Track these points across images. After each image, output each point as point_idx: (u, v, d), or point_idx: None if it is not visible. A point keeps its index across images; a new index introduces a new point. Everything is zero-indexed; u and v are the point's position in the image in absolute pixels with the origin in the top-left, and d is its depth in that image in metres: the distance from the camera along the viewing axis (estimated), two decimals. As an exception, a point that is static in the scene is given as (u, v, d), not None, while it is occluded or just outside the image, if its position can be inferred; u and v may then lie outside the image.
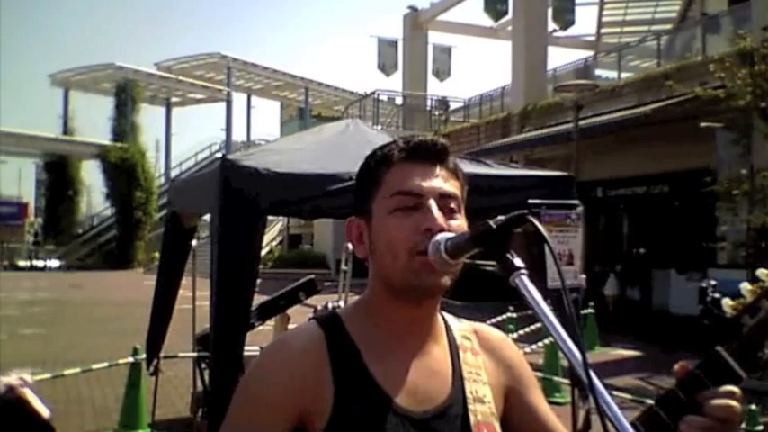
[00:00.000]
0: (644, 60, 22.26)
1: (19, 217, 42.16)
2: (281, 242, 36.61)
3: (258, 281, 4.26)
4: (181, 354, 6.82)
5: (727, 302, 1.15)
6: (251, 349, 6.29)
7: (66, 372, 6.32)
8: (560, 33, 25.89)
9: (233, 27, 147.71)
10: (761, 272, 1.12)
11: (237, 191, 3.86)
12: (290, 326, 6.90)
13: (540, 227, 1.01)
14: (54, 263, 38.36)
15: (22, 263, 39.69)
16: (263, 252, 31.86)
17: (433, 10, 28.93)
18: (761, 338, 1.03)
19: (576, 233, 4.87)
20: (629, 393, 6.15)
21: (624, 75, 19.02)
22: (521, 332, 8.74)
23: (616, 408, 0.93)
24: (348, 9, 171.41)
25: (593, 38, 28.94)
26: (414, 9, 29.32)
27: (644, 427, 0.99)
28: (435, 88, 29.70)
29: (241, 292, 4.01)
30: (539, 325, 5.61)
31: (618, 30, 28.48)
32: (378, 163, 1.22)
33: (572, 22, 24.79)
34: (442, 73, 29.71)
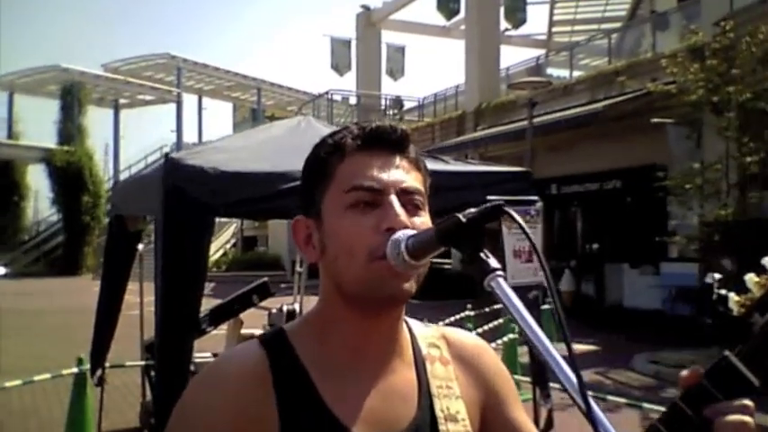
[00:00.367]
0: (594, 59, 22.54)
1: (-38, 224, 40.78)
2: (234, 244, 36.18)
3: (212, 284, 4.08)
4: (128, 363, 6.57)
5: (733, 298, 1.02)
6: (202, 355, 6.12)
7: (8, 384, 6.04)
8: (512, 32, 26.07)
9: (182, 27, 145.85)
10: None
11: (183, 191, 3.66)
12: (244, 331, 6.73)
13: (520, 220, 0.87)
14: (-1, 270, 37.25)
15: (-35, 271, 38.42)
16: (217, 255, 31.50)
17: (386, 9, 28.86)
18: None
19: (535, 229, 4.78)
20: (590, 390, 6.11)
21: (576, 73, 19.20)
22: (479, 330, 8.66)
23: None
24: (300, 7, 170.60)
25: (544, 37, 29.21)
26: (366, 8, 29.20)
27: None
28: (389, 87, 29.67)
29: (187, 297, 3.82)
30: (497, 322, 5.55)
31: (569, 28, 28.81)
32: (328, 153, 1.05)
33: (524, 21, 24.96)
34: (396, 72, 29.64)
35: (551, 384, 4.63)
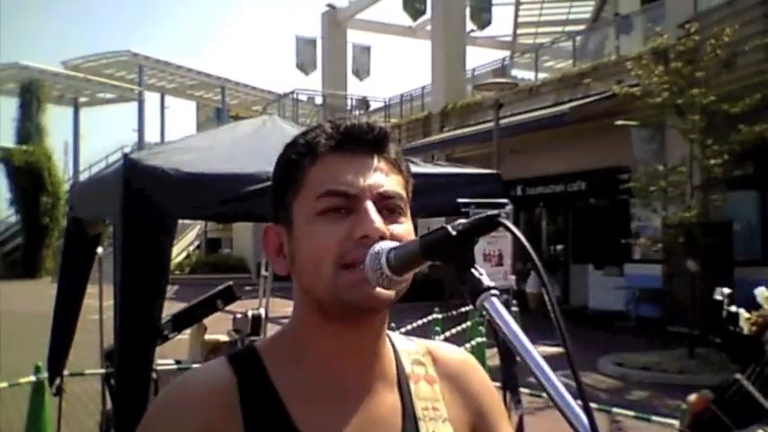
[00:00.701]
0: (559, 61, 22.73)
1: None
2: (198, 246, 35.74)
3: (175, 287, 3.95)
4: (87, 371, 6.37)
5: (743, 316, 0.94)
6: (164, 363, 5.96)
7: (-37, 394, 5.81)
8: (478, 33, 26.14)
9: (143, 24, 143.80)
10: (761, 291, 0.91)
11: (142, 193, 3.51)
12: (208, 337, 6.58)
13: (517, 231, 0.78)
14: (-45, 274, 36.31)
15: None
16: (180, 257, 31.10)
17: (352, 8, 28.76)
18: None
19: (505, 233, 4.71)
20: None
21: (540, 75, 19.32)
22: (446, 333, 8.60)
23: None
24: (264, 5, 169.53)
25: (509, 38, 29.37)
26: (332, 7, 29.06)
27: None
28: (355, 87, 29.58)
29: (148, 303, 3.67)
30: (465, 325, 5.47)
31: (533, 30, 29.00)
32: (300, 155, 0.95)
33: (489, 22, 25.05)
34: (362, 72, 29.57)
35: (521, 389, 4.58)
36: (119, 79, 42.41)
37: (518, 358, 0.76)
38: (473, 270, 0.79)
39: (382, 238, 0.88)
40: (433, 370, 1.05)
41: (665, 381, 9.28)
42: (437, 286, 12.99)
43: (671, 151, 11.72)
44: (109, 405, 5.98)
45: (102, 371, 5.93)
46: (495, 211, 0.78)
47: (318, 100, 28.51)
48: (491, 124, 12.99)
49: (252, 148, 4.16)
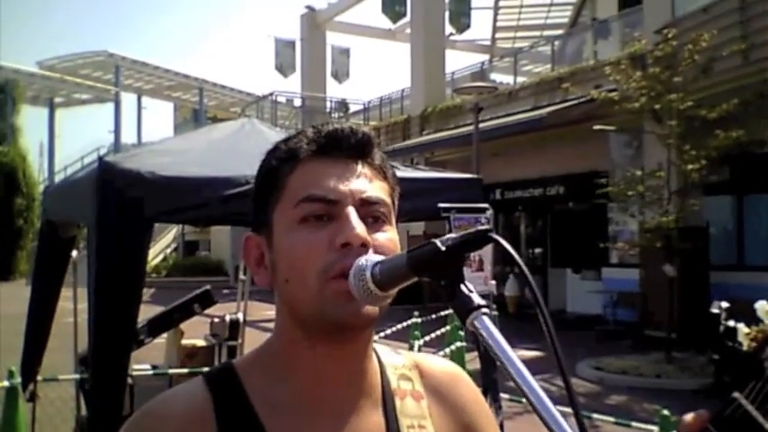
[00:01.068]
0: (537, 65, 22.85)
1: None
2: (175, 249, 35.46)
3: (151, 290, 3.89)
4: (61, 377, 6.27)
5: (743, 331, 0.91)
6: (140, 368, 5.89)
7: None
8: (457, 37, 26.21)
9: (120, 24, 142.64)
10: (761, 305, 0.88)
11: (118, 197, 3.45)
12: (185, 341, 6.51)
13: (509, 247, 0.74)
14: (-74, 275, 35.70)
15: None
16: (157, 260, 30.84)
17: (331, 10, 28.71)
18: None
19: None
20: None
21: (519, 79, 19.41)
22: (426, 338, 8.58)
23: None
24: (243, 7, 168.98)
25: (488, 42, 29.47)
26: (311, 9, 28.99)
27: None
28: (334, 90, 29.51)
29: (123, 308, 3.60)
30: (444, 330, 5.44)
31: (512, 34, 29.13)
32: (281, 161, 0.91)
33: (468, 26, 25.12)
34: (341, 74, 29.52)
35: (501, 395, 4.56)
36: (95, 80, 42.01)
37: (510, 380, 0.72)
38: (462, 287, 0.75)
39: (364, 245, 0.85)
40: (420, 384, 1.01)
41: (643, 385, 9.34)
42: (416, 290, 12.94)
43: (648, 156, 11.81)
44: (84, 411, 5.91)
45: (77, 376, 5.85)
46: (486, 227, 0.74)
47: (297, 102, 28.43)
48: (470, 128, 13.01)
49: (230, 151, 4.12)
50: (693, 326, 10.20)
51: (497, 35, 29.29)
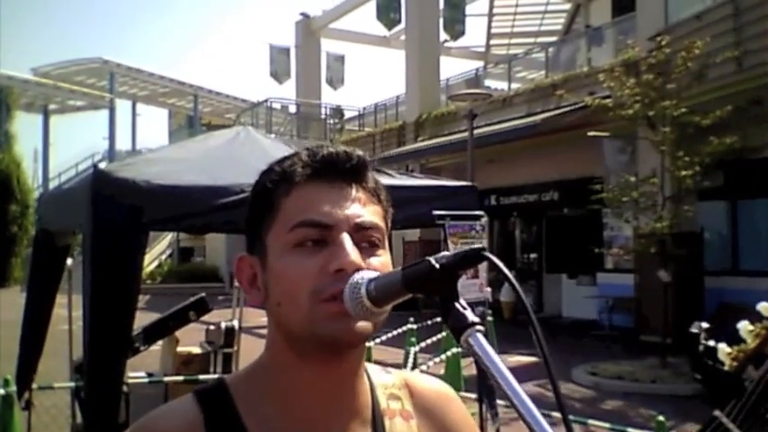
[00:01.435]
0: (531, 71, 22.90)
1: None
2: (170, 255, 35.36)
3: (146, 297, 3.88)
4: (56, 384, 6.25)
5: (723, 350, 0.92)
6: (136, 375, 5.87)
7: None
8: (451, 44, 26.25)
9: (115, 31, 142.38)
10: (764, 306, 0.90)
11: (113, 206, 3.45)
12: (180, 349, 6.49)
13: (502, 265, 0.75)
14: None
15: None
16: (152, 266, 30.74)
17: (326, 17, 28.73)
18: None
19: (480, 244, 4.72)
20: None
21: (513, 85, 19.46)
22: (422, 344, 8.58)
23: None
24: (238, 13, 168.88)
25: (482, 49, 29.55)
26: (306, 16, 29.00)
27: None
28: (329, 96, 29.51)
29: (119, 316, 3.61)
30: (440, 336, 5.46)
31: (506, 41, 29.21)
32: (275, 183, 0.92)
33: (462, 33, 25.14)
34: (336, 81, 29.50)
35: (498, 401, 4.56)
36: (90, 86, 41.94)
37: (505, 398, 0.73)
38: (457, 304, 0.76)
39: (358, 270, 0.85)
40: (409, 404, 1.02)
41: (638, 390, 9.34)
42: (412, 297, 12.91)
43: (643, 162, 11.85)
44: (79, 419, 5.89)
45: (72, 384, 5.83)
46: (480, 245, 0.75)
47: (292, 109, 28.37)
48: (465, 134, 13.02)
49: (225, 160, 4.12)
50: (688, 331, 10.23)
51: (492, 42, 29.38)
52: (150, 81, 42.66)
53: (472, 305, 4.68)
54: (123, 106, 44.94)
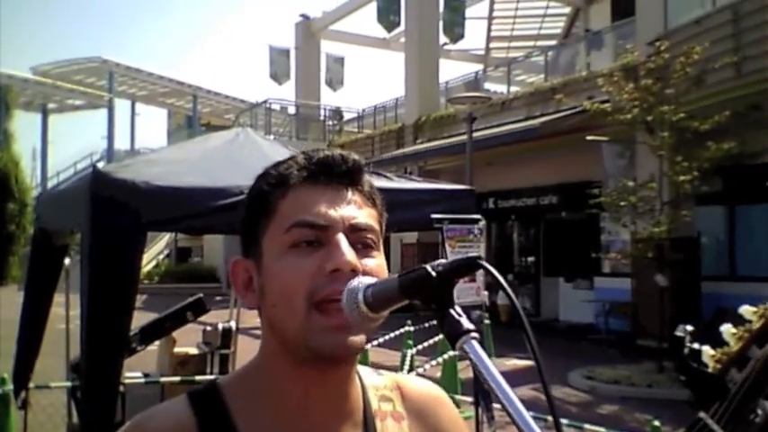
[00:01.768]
0: (531, 75, 22.94)
1: None
2: (168, 255, 35.34)
3: (144, 297, 3.89)
4: (53, 384, 6.24)
5: (707, 353, 0.93)
6: (132, 375, 5.87)
7: None
8: (451, 46, 26.27)
9: (114, 30, 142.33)
10: (746, 309, 0.91)
11: (111, 206, 3.46)
12: (177, 349, 6.49)
13: (498, 275, 0.76)
14: None
15: None
16: (149, 266, 30.72)
17: (326, 19, 28.74)
18: (753, 397, 0.80)
19: (478, 248, 4.73)
20: (529, 407, 6.08)
21: (513, 88, 19.49)
22: (419, 347, 8.58)
23: None
24: (238, 15, 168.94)
25: (482, 52, 29.57)
26: (306, 17, 29.01)
27: None
28: (329, 98, 29.51)
29: (116, 317, 3.62)
30: (438, 338, 5.45)
31: (506, 44, 29.24)
32: (271, 186, 0.93)
33: (462, 36, 25.16)
34: (336, 83, 29.51)
35: (494, 405, 4.57)
36: (89, 86, 41.93)
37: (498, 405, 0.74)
38: (452, 311, 0.77)
39: (354, 271, 0.86)
40: (401, 405, 1.02)
41: (635, 394, 9.35)
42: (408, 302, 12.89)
43: (641, 167, 11.86)
44: (75, 418, 5.88)
45: (69, 383, 5.82)
46: (476, 253, 0.76)
47: (292, 110, 28.36)
48: (464, 137, 13.04)
49: (224, 161, 4.13)
50: (680, 358, 10.25)
51: (491, 45, 29.40)
52: (149, 81, 42.67)
53: (469, 308, 4.68)
54: (122, 106, 45.06)
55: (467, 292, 4.68)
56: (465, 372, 8.23)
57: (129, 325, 3.93)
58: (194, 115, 43.25)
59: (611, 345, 12.79)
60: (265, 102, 26.90)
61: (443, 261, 0.79)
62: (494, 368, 0.75)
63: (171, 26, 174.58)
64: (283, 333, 0.89)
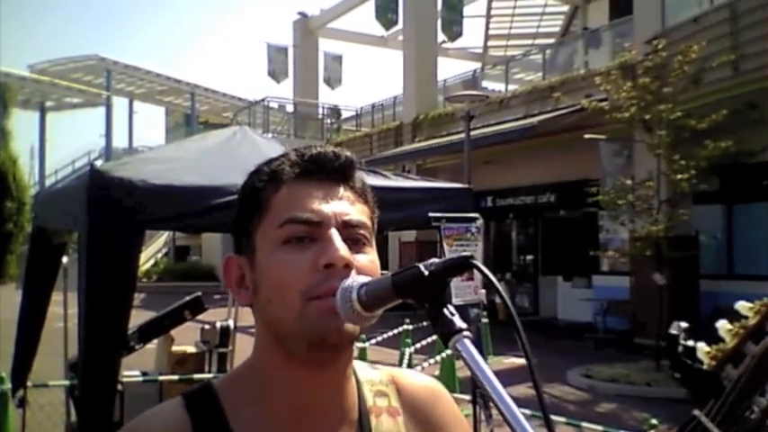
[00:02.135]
0: (529, 73, 22.93)
1: None
2: (166, 254, 35.33)
3: (142, 295, 3.89)
4: (51, 382, 6.24)
5: (702, 349, 0.93)
6: (130, 374, 5.87)
7: None
8: (449, 45, 26.26)
9: (112, 28, 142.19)
10: (741, 305, 0.91)
11: (109, 205, 3.46)
12: (175, 348, 6.49)
13: (490, 274, 0.76)
14: None
15: None
16: (148, 265, 30.71)
17: (324, 17, 28.72)
18: (748, 394, 0.80)
19: (475, 246, 4.74)
20: (526, 405, 6.08)
21: (511, 87, 19.48)
22: (417, 345, 8.59)
23: None
24: (235, 12, 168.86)
25: (480, 50, 29.57)
26: (304, 15, 28.98)
27: None
28: (327, 96, 29.51)
29: (114, 315, 3.62)
30: (435, 337, 5.42)
31: (504, 43, 29.23)
32: (264, 182, 0.93)
33: (460, 34, 25.15)
34: (334, 81, 29.49)
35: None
36: (86, 84, 41.87)
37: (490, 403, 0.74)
38: (445, 310, 0.77)
39: (347, 266, 0.86)
40: (396, 400, 1.01)
41: (633, 393, 9.36)
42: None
43: (639, 165, 11.87)
44: (73, 417, 5.88)
45: (67, 382, 5.82)
46: (468, 253, 0.76)
47: (290, 108, 28.35)
48: (462, 135, 13.04)
49: (221, 160, 4.13)
50: (674, 355, 10.28)
51: (489, 43, 29.40)
52: (147, 79, 42.64)
53: (467, 307, 4.68)
54: (120, 104, 44.86)
55: (465, 290, 4.69)
56: (463, 370, 8.22)
57: (127, 323, 3.92)
58: (192, 113, 43.22)
59: (609, 343, 12.81)
60: (263, 100, 26.88)
61: (436, 260, 0.79)
62: (486, 367, 0.75)
63: (169, 24, 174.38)
64: (277, 328, 0.89)
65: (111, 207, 3.46)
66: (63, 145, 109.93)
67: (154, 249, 34.48)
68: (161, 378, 5.91)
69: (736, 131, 10.24)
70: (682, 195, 10.50)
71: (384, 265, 0.94)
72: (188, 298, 6.22)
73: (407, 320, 9.43)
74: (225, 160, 4.09)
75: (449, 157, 17.11)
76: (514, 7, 27.45)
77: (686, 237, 11.53)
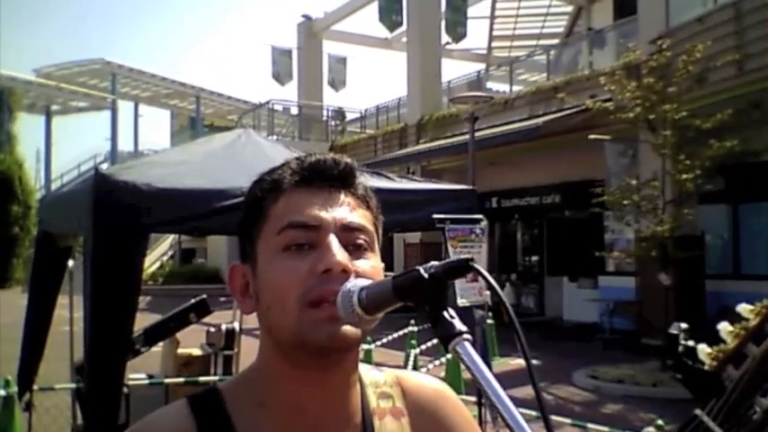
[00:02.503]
0: (533, 74, 22.90)
1: None
2: (172, 256, 35.39)
3: (148, 298, 3.90)
4: (57, 385, 6.26)
5: (703, 350, 0.93)
6: (136, 377, 5.88)
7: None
8: (453, 46, 26.25)
9: (117, 32, 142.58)
10: (743, 307, 0.91)
11: (114, 208, 3.47)
12: (181, 350, 6.50)
13: (489, 276, 0.77)
14: None
15: None
16: (153, 267, 30.77)
17: (328, 19, 28.74)
18: (749, 394, 0.80)
19: (480, 248, 4.74)
20: (530, 407, 6.07)
21: (515, 88, 19.47)
22: (422, 347, 8.59)
23: None
24: (240, 15, 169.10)
25: (484, 51, 29.55)
26: (308, 18, 29.01)
27: None
28: (331, 98, 29.50)
29: (119, 318, 3.63)
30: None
31: (508, 44, 29.21)
32: (265, 191, 0.94)
33: (464, 35, 25.15)
34: (338, 83, 29.50)
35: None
36: (92, 87, 42.00)
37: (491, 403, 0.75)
38: (445, 313, 0.78)
39: (345, 272, 0.86)
40: (401, 402, 1.01)
41: (639, 393, 9.33)
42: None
43: (644, 165, 11.85)
44: (80, 420, 5.90)
45: (73, 385, 5.84)
46: (468, 256, 0.77)
47: (294, 110, 28.37)
48: (467, 137, 13.03)
49: (226, 163, 4.14)
50: (675, 356, 10.23)
51: (493, 44, 29.37)
52: (152, 82, 42.74)
53: (472, 308, 4.67)
54: (125, 107, 44.99)
55: (470, 291, 4.69)
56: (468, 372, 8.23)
57: (133, 326, 3.94)
58: (197, 116, 43.30)
59: (615, 344, 12.77)
60: (268, 102, 26.91)
61: (436, 263, 0.79)
62: (486, 369, 0.75)
63: (173, 27, 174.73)
64: (279, 335, 0.89)
65: (116, 210, 3.47)
66: (68, 149, 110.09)
67: (160, 252, 34.55)
68: (167, 381, 5.92)
69: (741, 131, 10.21)
70: (687, 195, 10.47)
71: (389, 267, 0.94)
72: (193, 301, 6.23)
73: (413, 322, 9.43)
74: (229, 163, 4.10)
75: (453, 158, 17.10)
76: (518, 8, 27.42)
77: (692, 237, 11.49)
